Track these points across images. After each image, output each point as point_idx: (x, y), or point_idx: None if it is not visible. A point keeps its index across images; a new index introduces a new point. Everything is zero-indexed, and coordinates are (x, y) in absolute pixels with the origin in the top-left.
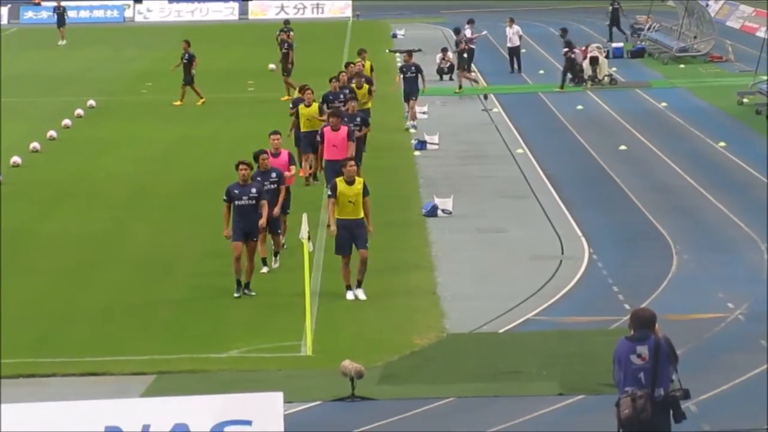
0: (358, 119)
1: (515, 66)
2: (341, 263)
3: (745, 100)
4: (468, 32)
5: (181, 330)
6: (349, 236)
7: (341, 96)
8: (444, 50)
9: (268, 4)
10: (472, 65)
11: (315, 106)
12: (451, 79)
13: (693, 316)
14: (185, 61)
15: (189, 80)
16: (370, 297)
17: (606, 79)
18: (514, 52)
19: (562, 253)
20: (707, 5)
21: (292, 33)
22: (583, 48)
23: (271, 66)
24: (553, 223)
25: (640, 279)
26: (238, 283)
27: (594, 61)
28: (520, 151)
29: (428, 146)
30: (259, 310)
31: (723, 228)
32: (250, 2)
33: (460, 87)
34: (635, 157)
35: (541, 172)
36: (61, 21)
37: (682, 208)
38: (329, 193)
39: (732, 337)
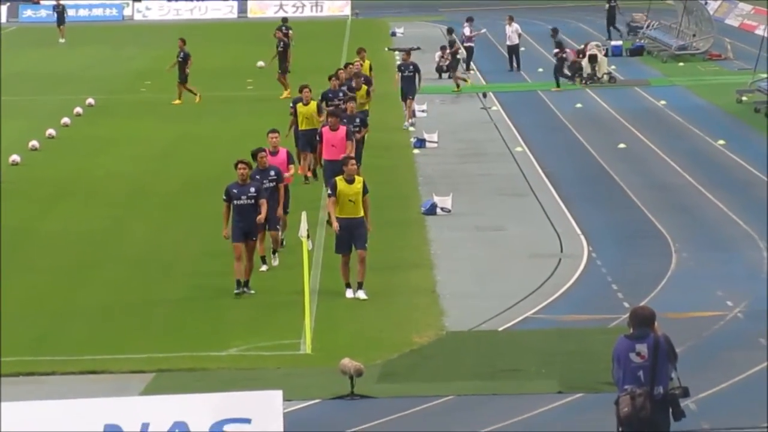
0: (357, 120)
1: (514, 64)
2: (341, 261)
3: (744, 98)
4: (467, 30)
5: (181, 328)
6: (349, 236)
7: (340, 94)
8: (443, 48)
9: (267, 3)
10: (471, 63)
11: (313, 104)
12: (450, 77)
13: (692, 314)
14: (180, 59)
15: (183, 79)
16: (369, 295)
17: (605, 77)
18: (513, 50)
19: (561, 251)
20: (706, 3)
21: (291, 32)
22: (582, 46)
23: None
24: (552, 221)
25: (639, 277)
26: (238, 282)
27: (593, 59)
28: (519, 149)
29: (427, 144)
30: (259, 308)
31: (722, 226)
32: (249, 1)
33: (458, 87)
34: (634, 155)
35: (540, 170)
36: (60, 19)
37: (681, 206)
38: (329, 191)
39: (731, 335)
